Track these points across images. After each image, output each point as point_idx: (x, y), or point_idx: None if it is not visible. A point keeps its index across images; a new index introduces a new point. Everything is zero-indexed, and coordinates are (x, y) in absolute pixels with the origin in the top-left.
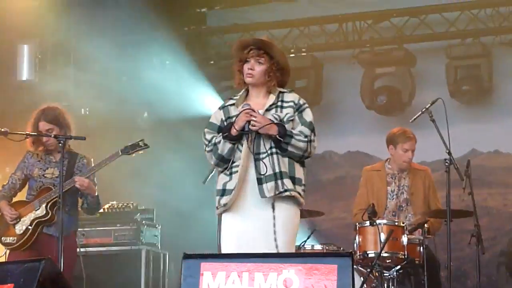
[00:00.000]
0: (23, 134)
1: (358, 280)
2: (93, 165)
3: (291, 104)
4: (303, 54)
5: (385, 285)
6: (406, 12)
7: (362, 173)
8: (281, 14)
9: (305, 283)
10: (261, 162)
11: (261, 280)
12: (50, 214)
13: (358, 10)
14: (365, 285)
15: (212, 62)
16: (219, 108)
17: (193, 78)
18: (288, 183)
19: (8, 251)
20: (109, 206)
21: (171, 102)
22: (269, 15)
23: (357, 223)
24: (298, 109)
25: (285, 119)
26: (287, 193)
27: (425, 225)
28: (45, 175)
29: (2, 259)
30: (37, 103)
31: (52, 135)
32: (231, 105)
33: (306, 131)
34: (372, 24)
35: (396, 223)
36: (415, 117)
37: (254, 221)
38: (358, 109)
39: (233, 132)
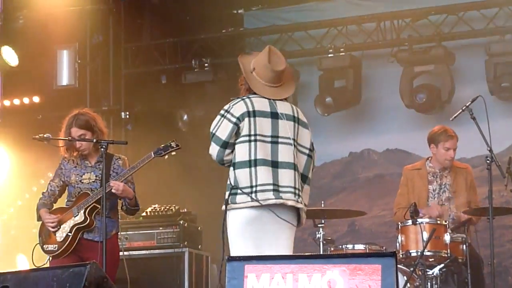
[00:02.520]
0: (65, 139)
1: (401, 279)
2: (127, 165)
3: None
4: (341, 53)
5: (429, 284)
6: (444, 10)
7: (403, 172)
8: (319, 14)
9: (349, 283)
10: None
11: (305, 281)
12: (88, 220)
13: (396, 8)
14: (408, 284)
15: None
16: None
17: (231, 80)
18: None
19: (50, 259)
20: (152, 209)
21: (210, 104)
22: (306, 15)
23: (399, 223)
24: None
25: None
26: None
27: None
28: (82, 181)
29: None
30: (78, 108)
31: (94, 140)
32: None
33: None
34: (410, 22)
35: (438, 222)
36: (455, 115)
37: None
38: (397, 108)
39: None
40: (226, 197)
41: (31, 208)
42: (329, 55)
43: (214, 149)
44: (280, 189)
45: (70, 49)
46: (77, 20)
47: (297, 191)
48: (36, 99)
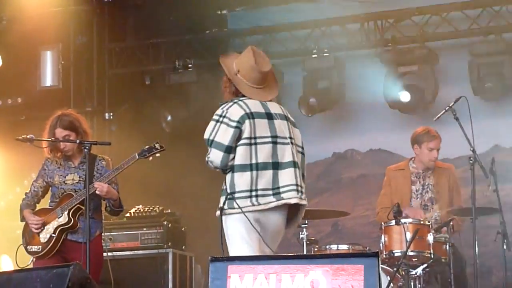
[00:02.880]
0: (48, 140)
1: (385, 280)
2: (111, 165)
3: None
4: (325, 54)
5: (412, 284)
6: (427, 10)
7: (386, 172)
8: (303, 15)
9: (332, 283)
10: None
11: (288, 281)
12: (72, 221)
13: (380, 9)
14: (391, 284)
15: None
16: None
17: (215, 81)
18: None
19: (34, 259)
20: (135, 210)
21: (194, 104)
22: (290, 16)
23: (382, 223)
24: None
25: None
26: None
27: (451, 223)
28: (65, 182)
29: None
30: (61, 109)
31: (77, 141)
32: None
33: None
34: (393, 23)
35: (422, 222)
36: (438, 115)
37: None
38: (380, 108)
39: None
40: (222, 203)
41: (15, 209)
42: (313, 56)
43: (217, 156)
44: (281, 189)
45: (53, 50)
46: (60, 21)
47: (299, 188)
48: (19, 100)
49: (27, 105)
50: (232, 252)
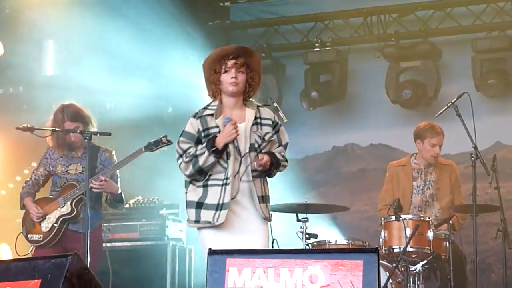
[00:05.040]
0: (49, 130)
1: (384, 275)
2: (114, 157)
3: (269, 122)
4: (327, 48)
5: (411, 280)
6: (431, 5)
7: (388, 168)
8: (306, 7)
9: (330, 279)
10: (254, 182)
11: (286, 276)
12: (75, 211)
13: (383, 3)
14: (390, 280)
15: None
16: (195, 118)
17: None
18: (267, 209)
19: (34, 248)
20: (135, 201)
21: (195, 97)
22: (293, 8)
23: (382, 218)
24: (275, 128)
25: (266, 138)
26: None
27: (451, 222)
28: (68, 172)
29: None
30: (63, 98)
31: (78, 131)
32: (208, 115)
33: (284, 153)
34: (397, 18)
35: (422, 218)
36: (441, 111)
37: (251, 236)
38: (382, 103)
39: (220, 146)
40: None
41: (15, 198)
42: (315, 49)
43: None
44: None
45: (56, 39)
46: (64, 10)
47: None
48: (20, 88)
49: (29, 94)
50: None
